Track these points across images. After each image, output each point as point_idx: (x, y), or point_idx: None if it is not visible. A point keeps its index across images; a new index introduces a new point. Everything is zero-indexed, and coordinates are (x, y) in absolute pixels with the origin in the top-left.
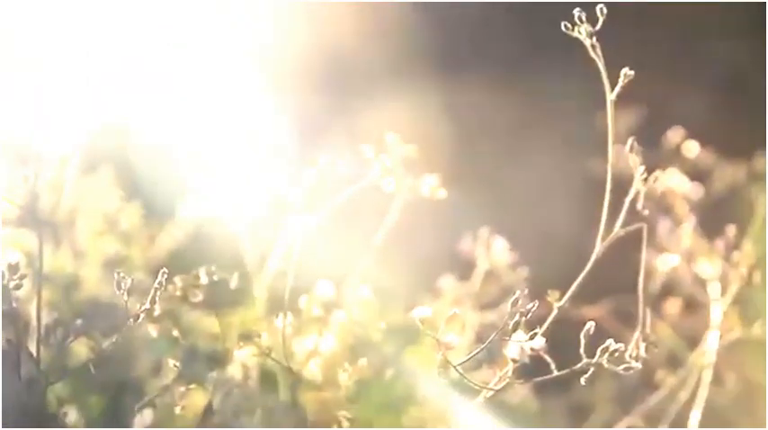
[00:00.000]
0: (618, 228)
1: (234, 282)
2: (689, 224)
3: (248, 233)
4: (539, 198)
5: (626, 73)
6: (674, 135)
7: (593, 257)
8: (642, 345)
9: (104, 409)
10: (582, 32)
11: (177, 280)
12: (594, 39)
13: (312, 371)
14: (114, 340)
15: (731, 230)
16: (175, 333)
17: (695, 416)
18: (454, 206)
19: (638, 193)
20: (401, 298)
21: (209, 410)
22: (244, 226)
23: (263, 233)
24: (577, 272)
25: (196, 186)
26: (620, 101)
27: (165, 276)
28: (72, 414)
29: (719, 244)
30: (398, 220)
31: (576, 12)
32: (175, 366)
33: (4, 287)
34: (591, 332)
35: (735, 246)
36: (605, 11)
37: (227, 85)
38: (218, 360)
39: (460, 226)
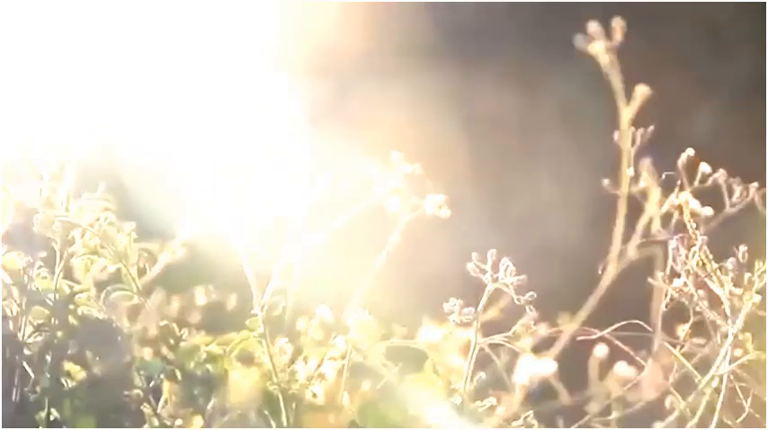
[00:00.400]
0: (631, 253)
1: (232, 303)
2: (700, 246)
3: (247, 253)
4: (547, 218)
5: (642, 92)
6: (686, 155)
7: (605, 282)
8: (659, 374)
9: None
10: (598, 48)
11: (173, 300)
12: (612, 55)
13: (314, 395)
14: (108, 362)
15: (743, 252)
16: (171, 355)
17: None
18: (460, 226)
19: (651, 218)
20: (405, 320)
21: None
22: (243, 245)
23: (263, 253)
24: (586, 294)
25: (194, 205)
26: (633, 120)
27: (161, 296)
28: None
29: (731, 266)
30: (402, 240)
31: (593, 26)
32: (172, 392)
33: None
34: (602, 356)
35: (747, 268)
36: (623, 24)
37: (227, 101)
38: (216, 383)
39: (467, 246)
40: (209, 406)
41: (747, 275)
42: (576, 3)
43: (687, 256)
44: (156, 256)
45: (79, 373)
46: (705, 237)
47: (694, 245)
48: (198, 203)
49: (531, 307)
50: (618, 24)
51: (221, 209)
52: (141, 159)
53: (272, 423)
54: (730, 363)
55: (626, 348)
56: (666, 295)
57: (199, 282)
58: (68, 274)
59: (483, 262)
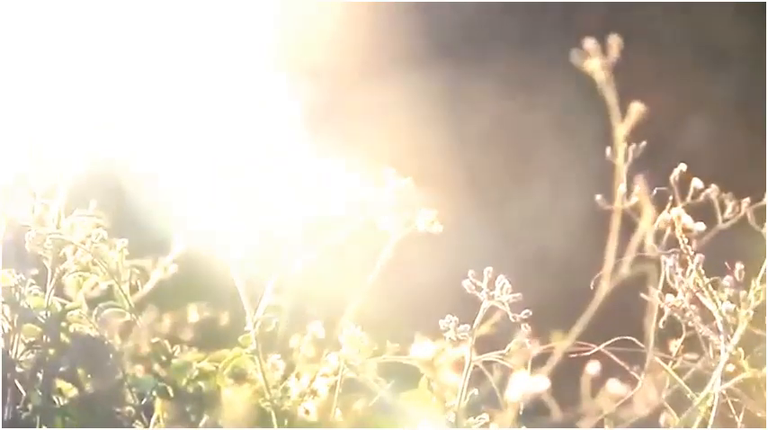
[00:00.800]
0: (625, 269)
1: (224, 320)
2: (695, 262)
3: (240, 269)
4: (541, 233)
5: (637, 109)
6: (679, 171)
7: (598, 298)
8: (652, 390)
9: None
10: (594, 65)
11: (165, 317)
12: (607, 72)
13: (306, 412)
14: (100, 379)
15: (738, 269)
16: (163, 372)
17: None
18: (452, 241)
19: (645, 234)
20: (397, 337)
21: None
22: (235, 261)
23: (256, 269)
24: (580, 310)
25: (187, 220)
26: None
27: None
28: None
29: (726, 283)
30: (394, 256)
31: (589, 42)
32: (164, 409)
33: None
34: (594, 373)
35: (742, 285)
36: (620, 41)
37: (221, 106)
38: (208, 400)
39: (459, 262)
40: (202, 423)
41: (743, 293)
42: (572, 17)
43: (684, 274)
44: (148, 273)
45: (71, 391)
46: (701, 255)
47: (687, 260)
48: (190, 219)
49: (527, 325)
50: (614, 41)
51: (213, 224)
52: (134, 174)
53: None
54: (724, 380)
55: (620, 362)
56: (660, 311)
57: (191, 298)
58: (60, 292)
59: (479, 279)
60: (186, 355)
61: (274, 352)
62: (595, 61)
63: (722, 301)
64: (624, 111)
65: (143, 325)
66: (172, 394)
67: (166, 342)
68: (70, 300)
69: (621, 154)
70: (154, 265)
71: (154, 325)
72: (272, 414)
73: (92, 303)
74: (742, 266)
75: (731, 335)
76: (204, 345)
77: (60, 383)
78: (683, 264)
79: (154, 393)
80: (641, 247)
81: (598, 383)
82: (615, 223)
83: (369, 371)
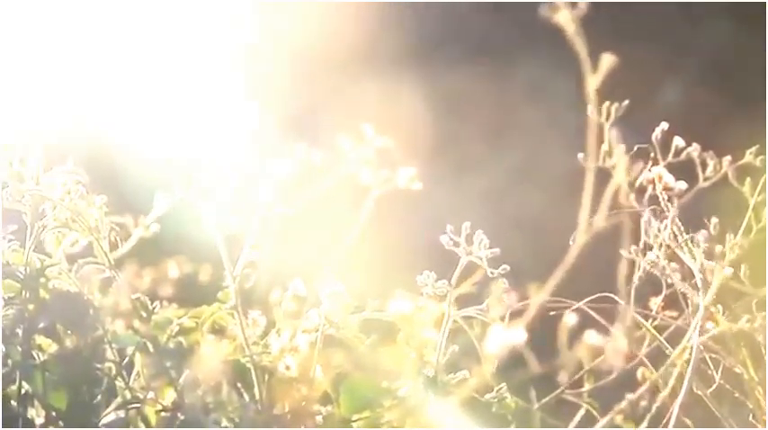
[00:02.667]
0: (598, 222)
1: (204, 276)
2: (671, 218)
3: (219, 226)
4: (520, 191)
5: (609, 60)
6: (660, 129)
7: (574, 252)
8: (629, 341)
9: (71, 405)
10: (564, 17)
11: (146, 273)
12: (577, 25)
13: (287, 367)
14: (80, 335)
15: (714, 224)
16: (143, 328)
17: (676, 411)
18: (432, 199)
19: (620, 186)
20: (377, 293)
21: (178, 406)
22: (214, 217)
23: (235, 225)
24: (557, 265)
25: (167, 178)
26: (604, 91)
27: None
28: (38, 410)
29: (702, 238)
30: (374, 213)
31: None
32: (144, 365)
33: None
34: (571, 326)
35: (718, 240)
36: None
37: (198, 74)
38: (188, 356)
39: (438, 220)
40: (182, 378)
41: (719, 248)
42: None
43: (659, 229)
44: (129, 230)
45: (51, 347)
46: (676, 209)
47: (666, 217)
48: (171, 177)
49: (505, 280)
50: None
51: (194, 181)
52: (114, 131)
53: (245, 395)
54: (701, 335)
55: (597, 317)
56: (638, 267)
57: (171, 255)
58: (40, 248)
59: (457, 235)
60: (166, 311)
61: (254, 308)
62: (564, 13)
63: (699, 257)
64: (596, 64)
65: (123, 281)
66: (152, 350)
67: (147, 298)
68: (50, 257)
69: (596, 108)
70: (135, 223)
71: (133, 281)
72: (252, 370)
73: (71, 259)
74: (716, 220)
75: (707, 291)
76: (184, 302)
77: (40, 339)
78: (663, 220)
79: (134, 349)
80: (616, 202)
81: (575, 336)
82: (590, 179)
83: (349, 328)
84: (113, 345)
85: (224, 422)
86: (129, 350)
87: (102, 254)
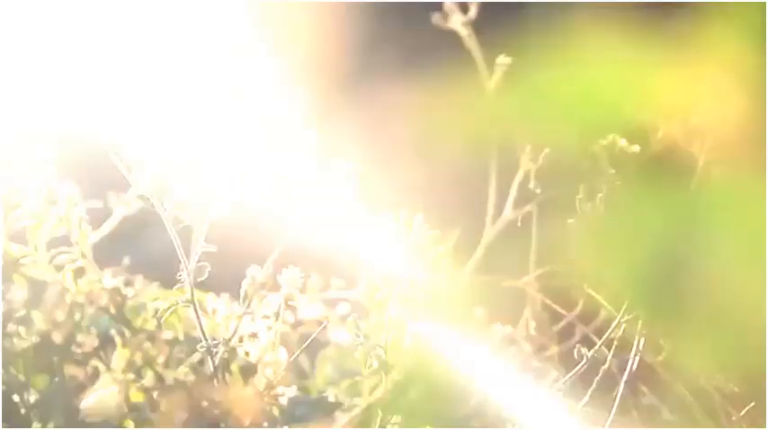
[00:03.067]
0: (507, 212)
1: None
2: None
3: (173, 221)
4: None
5: (502, 61)
6: None
7: (483, 241)
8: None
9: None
10: (456, 23)
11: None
12: (470, 29)
13: (246, 354)
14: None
15: None
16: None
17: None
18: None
19: (528, 172)
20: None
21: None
22: (169, 211)
23: (188, 219)
24: None
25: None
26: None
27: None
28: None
29: None
30: None
31: (448, 2)
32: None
33: None
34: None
35: None
36: None
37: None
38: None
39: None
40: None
41: None
42: None
43: None
44: (100, 220)
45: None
46: None
47: None
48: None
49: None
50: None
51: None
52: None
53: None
54: None
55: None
56: None
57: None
58: (14, 237)
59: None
60: (142, 295)
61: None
62: (457, 18)
63: None
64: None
65: (96, 269)
66: (128, 334)
67: (121, 283)
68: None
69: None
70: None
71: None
72: (210, 359)
73: (49, 245)
74: None
75: None
76: (162, 284)
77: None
78: None
79: (112, 332)
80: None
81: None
82: (494, 170)
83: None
84: (91, 329)
85: None
86: (107, 334)
87: (76, 243)
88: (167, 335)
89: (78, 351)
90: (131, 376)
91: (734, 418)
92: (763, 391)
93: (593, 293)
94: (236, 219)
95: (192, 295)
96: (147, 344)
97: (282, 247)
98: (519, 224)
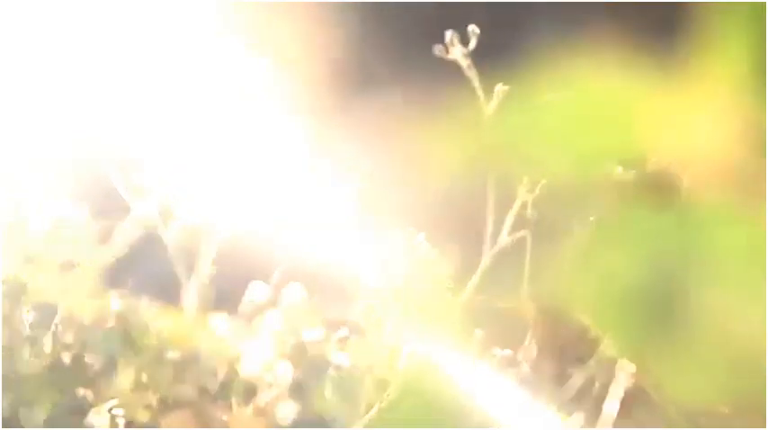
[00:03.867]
0: (503, 238)
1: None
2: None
3: (175, 245)
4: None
5: (500, 89)
6: None
7: (480, 267)
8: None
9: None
10: (457, 54)
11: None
12: (470, 60)
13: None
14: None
15: None
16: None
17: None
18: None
19: (525, 203)
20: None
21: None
22: (171, 238)
23: (189, 241)
24: None
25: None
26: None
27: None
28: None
29: None
30: None
31: (449, 34)
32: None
33: None
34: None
35: None
36: (477, 31)
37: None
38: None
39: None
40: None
41: None
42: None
43: None
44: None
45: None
46: None
47: None
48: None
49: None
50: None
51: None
52: (97, 142)
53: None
54: None
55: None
56: None
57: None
58: (26, 260)
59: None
60: (147, 316)
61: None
62: (457, 50)
63: None
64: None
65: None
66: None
67: (127, 305)
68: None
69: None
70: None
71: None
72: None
73: (59, 270)
74: None
75: None
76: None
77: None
78: None
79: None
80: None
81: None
82: (491, 199)
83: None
84: (99, 350)
85: None
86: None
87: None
88: (173, 355)
89: (86, 372)
90: (138, 396)
91: None
92: (758, 414)
93: (585, 317)
94: (238, 238)
95: (195, 315)
96: (153, 364)
97: (283, 266)
98: (512, 247)
